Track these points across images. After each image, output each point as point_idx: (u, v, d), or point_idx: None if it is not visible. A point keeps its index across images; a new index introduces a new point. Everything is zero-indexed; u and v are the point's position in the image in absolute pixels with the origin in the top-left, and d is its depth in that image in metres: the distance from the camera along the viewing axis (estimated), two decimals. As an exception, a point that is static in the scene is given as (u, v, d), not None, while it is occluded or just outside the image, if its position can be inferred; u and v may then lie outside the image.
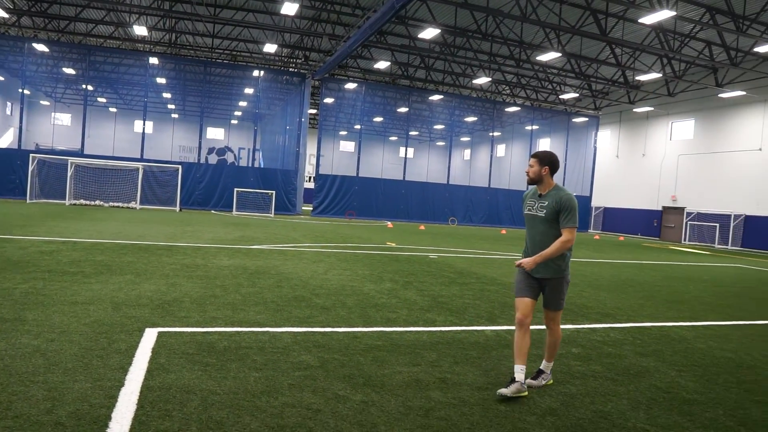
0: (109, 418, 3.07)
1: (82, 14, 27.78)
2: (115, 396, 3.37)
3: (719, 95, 30.14)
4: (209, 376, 3.88)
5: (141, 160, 29.81)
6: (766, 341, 6.42)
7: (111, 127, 48.38)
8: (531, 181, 4.24)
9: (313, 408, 3.45)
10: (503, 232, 29.78)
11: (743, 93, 28.58)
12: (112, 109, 48.58)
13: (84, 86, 32.71)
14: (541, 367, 4.35)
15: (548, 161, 4.17)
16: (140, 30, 25.31)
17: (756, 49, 24.51)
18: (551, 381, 4.33)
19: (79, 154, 29.74)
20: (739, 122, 30.26)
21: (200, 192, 30.98)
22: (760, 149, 28.83)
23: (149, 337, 4.72)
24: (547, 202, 4.10)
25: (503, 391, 3.84)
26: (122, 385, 3.57)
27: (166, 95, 41.15)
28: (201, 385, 3.69)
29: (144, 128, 31.75)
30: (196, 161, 33.55)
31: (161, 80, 33.93)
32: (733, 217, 29.72)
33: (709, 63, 26.84)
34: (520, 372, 3.94)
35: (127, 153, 36.76)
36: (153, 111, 42.42)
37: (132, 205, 27.42)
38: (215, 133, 52.72)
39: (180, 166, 29.19)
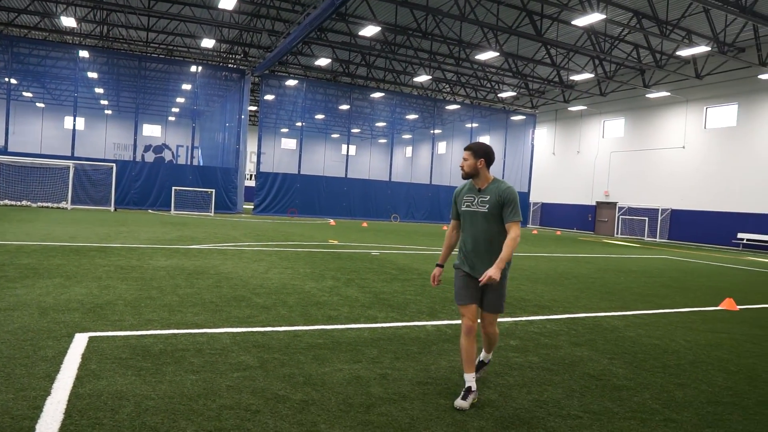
0: (33, 429, 2.91)
1: (3, 2, 26.23)
2: (41, 406, 3.21)
3: (646, 95, 31.66)
4: (143, 380, 3.75)
5: (72, 158, 28.45)
6: (688, 328, 6.79)
7: (38, 123, 45.99)
8: (466, 176, 3.93)
9: (251, 409, 3.39)
10: (445, 228, 30.22)
11: (668, 94, 30.12)
12: (40, 105, 46.15)
13: (6, 79, 30.90)
14: (480, 359, 4.30)
15: (483, 153, 3.88)
16: (68, 21, 24.12)
17: (678, 53, 25.89)
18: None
19: (3, 151, 28.09)
20: (664, 121, 31.87)
21: (136, 191, 29.89)
22: (684, 147, 30.47)
23: (79, 342, 4.52)
24: (488, 197, 3.83)
25: (462, 404, 3.64)
26: (48, 394, 3.39)
27: (99, 90, 39.46)
28: (134, 390, 3.56)
29: (75, 125, 30.32)
30: (132, 159, 32.33)
31: (93, 75, 32.49)
32: (660, 211, 31.31)
33: (637, 65, 28.12)
34: (472, 380, 3.80)
35: (56, 151, 35.08)
36: (84, 107, 40.62)
37: (63, 205, 26.17)
38: (152, 130, 51.00)
39: (114, 165, 28.05)
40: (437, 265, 4.14)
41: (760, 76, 25.74)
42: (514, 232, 3.76)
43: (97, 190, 28.07)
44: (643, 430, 3.49)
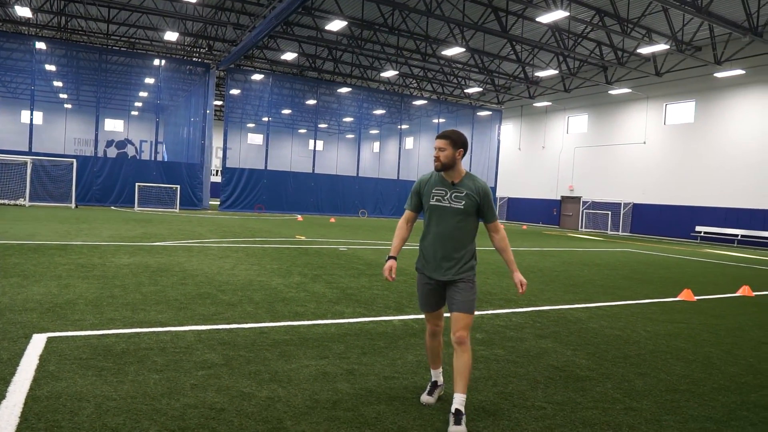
0: (-12, 433, 2.82)
1: (-46, -7, 25.16)
2: (-4, 409, 3.11)
3: (609, 92, 32.32)
4: (104, 381, 3.67)
5: (29, 153, 27.53)
6: (648, 318, 6.97)
7: (-8, 117, 44.38)
8: (442, 168, 3.49)
9: (216, 407, 3.35)
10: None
11: (629, 90, 30.81)
12: (-6, 98, 44.55)
13: (-42, 72, 29.72)
14: (456, 407, 3.31)
15: (462, 143, 3.49)
16: (23, 11, 23.27)
17: (639, 50, 26.49)
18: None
19: (-45, 146, 27.03)
20: (626, 117, 32.61)
21: (98, 187, 29.10)
22: (644, 142, 31.23)
23: (37, 343, 4.39)
24: (464, 192, 3.46)
25: (428, 399, 3.64)
26: (3, 397, 3.29)
27: (57, 84, 38.27)
28: (95, 391, 3.48)
29: (32, 119, 29.33)
30: (93, 154, 31.46)
31: (51, 67, 31.49)
32: (622, 205, 32.06)
33: (600, 62, 28.67)
34: (438, 375, 3.77)
35: (12, 146, 33.82)
36: (42, 100, 39.29)
37: (20, 202, 25.34)
38: (114, 125, 49.76)
39: (75, 160, 27.23)
40: (390, 257, 3.61)
41: (716, 74, 26.54)
42: (501, 231, 3.63)
43: (56, 187, 27.23)
44: (605, 419, 3.58)
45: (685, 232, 28.86)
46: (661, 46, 23.80)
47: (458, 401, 3.32)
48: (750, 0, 21.28)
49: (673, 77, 29.47)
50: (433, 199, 3.54)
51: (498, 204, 41.98)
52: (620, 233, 31.74)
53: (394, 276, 3.59)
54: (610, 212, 32.60)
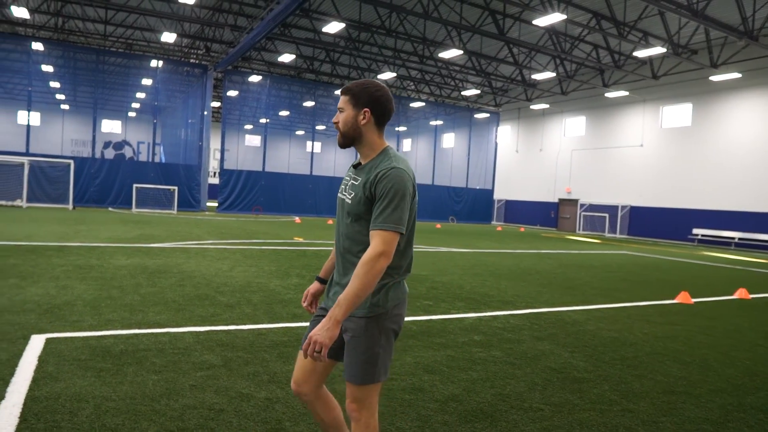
0: (-12, 433, 2.83)
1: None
2: (-5, 409, 3.11)
3: (606, 95, 32.41)
4: (103, 381, 3.67)
5: (27, 154, 27.50)
6: (645, 320, 7.00)
7: (-11, 118, 44.27)
8: (343, 142, 2.30)
9: (215, 408, 3.36)
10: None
11: (626, 93, 30.92)
12: (-9, 99, 44.41)
13: (-45, 73, 29.66)
14: None
15: (369, 98, 2.23)
16: (20, 12, 23.24)
17: (635, 54, 26.57)
18: None
19: (-48, 147, 26.98)
20: (623, 120, 32.71)
21: (96, 189, 29.09)
22: (641, 145, 31.33)
23: (35, 344, 4.39)
24: (360, 179, 2.22)
25: None
26: (2, 398, 3.29)
27: (55, 85, 38.17)
28: (94, 391, 3.49)
29: (29, 120, 29.30)
30: (91, 156, 31.42)
31: (48, 68, 31.41)
32: (620, 207, 32.14)
33: (597, 65, 28.76)
34: None
35: (10, 147, 33.78)
36: (39, 101, 39.28)
37: (18, 203, 25.29)
38: (111, 126, 49.72)
39: (72, 161, 27.20)
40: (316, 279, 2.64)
41: (711, 78, 26.64)
42: (370, 249, 2.07)
43: (54, 188, 27.20)
44: (602, 420, 3.60)
45: (682, 234, 28.94)
46: (658, 50, 23.89)
47: None
48: (745, 3, 21.39)
49: (669, 80, 29.58)
50: (341, 187, 2.38)
51: (495, 206, 42.03)
52: (617, 236, 31.82)
53: (309, 307, 2.56)
54: (607, 215, 32.68)
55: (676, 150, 29.53)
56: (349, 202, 2.24)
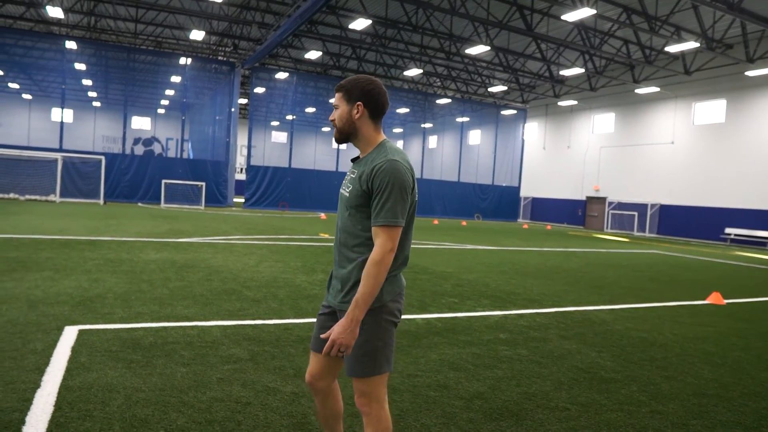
0: (23, 422, 2.91)
1: (-11, -6, 25.84)
2: (30, 399, 3.20)
3: (636, 91, 31.81)
4: (134, 373, 3.75)
5: (60, 150, 28.17)
6: (675, 321, 6.86)
7: (25, 115, 45.45)
8: (339, 137, 2.34)
9: (242, 401, 3.40)
10: (435, 222, 30.29)
11: (657, 89, 30.30)
12: (26, 96, 45.59)
13: (-7, 71, 30.51)
14: None
15: (361, 92, 2.26)
16: (55, 12, 23.80)
17: (667, 49, 26.00)
18: None
19: (-11, 143, 27.78)
20: (653, 117, 32.07)
21: (126, 184, 29.68)
22: (672, 142, 30.68)
23: (69, 335, 4.51)
24: (356, 172, 2.25)
25: None
26: (38, 386, 3.39)
27: (87, 82, 39.05)
28: (125, 382, 3.56)
29: (62, 117, 30.01)
30: (121, 152, 32.06)
31: (80, 66, 32.13)
32: (649, 206, 31.55)
33: (627, 60, 28.25)
34: None
35: (44, 143, 34.66)
36: (72, 99, 40.19)
37: (51, 198, 25.94)
38: (141, 123, 50.62)
39: (103, 157, 27.81)
40: None
41: (747, 73, 25.95)
42: (376, 248, 2.11)
43: (86, 183, 27.83)
44: (630, 421, 3.54)
45: (715, 234, 28.29)
46: (691, 44, 23.34)
47: None
48: (784, -3, 20.77)
49: (702, 76, 28.89)
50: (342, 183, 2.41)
51: (522, 204, 41.63)
52: (646, 234, 31.25)
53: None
54: (636, 213, 32.10)
55: (709, 147, 28.84)
56: (347, 195, 2.27)
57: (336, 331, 2.08)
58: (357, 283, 2.19)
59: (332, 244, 13.68)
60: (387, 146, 2.24)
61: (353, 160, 2.33)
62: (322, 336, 2.18)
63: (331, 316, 2.37)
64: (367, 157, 2.25)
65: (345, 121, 2.28)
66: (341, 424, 2.59)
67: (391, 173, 2.11)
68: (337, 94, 2.34)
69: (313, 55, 29.66)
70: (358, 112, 2.26)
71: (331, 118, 2.34)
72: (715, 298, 8.57)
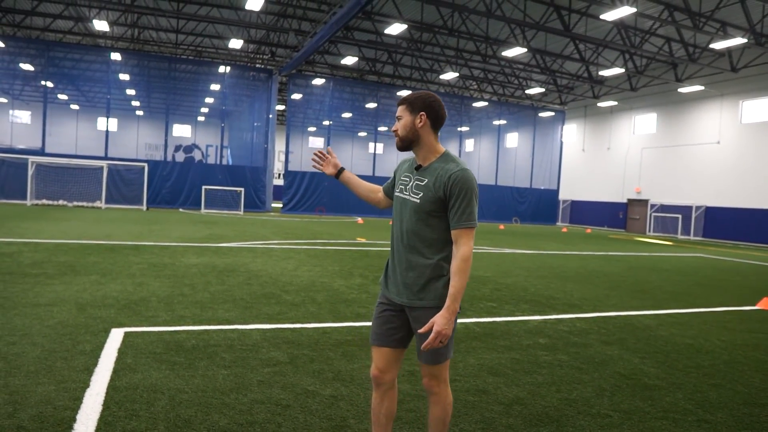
0: (74, 419, 3.02)
1: (38, 8, 26.96)
2: (80, 397, 3.32)
3: (679, 90, 30.93)
4: (177, 374, 3.84)
5: (105, 158, 29.15)
6: (723, 327, 6.64)
7: (73, 125, 47.16)
8: (402, 144, 2.53)
9: (282, 404, 3.45)
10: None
11: (702, 88, 29.40)
12: (74, 107, 47.33)
13: (43, 83, 31.77)
14: None
15: (423, 104, 2.48)
16: (101, 25, 24.69)
17: (712, 46, 25.21)
18: None
19: (41, 152, 28.91)
20: (698, 116, 31.13)
21: (167, 190, 30.48)
22: (719, 142, 29.71)
23: (115, 337, 4.65)
24: (426, 180, 2.46)
25: None
26: (87, 386, 3.51)
27: (130, 92, 40.30)
28: (169, 384, 3.66)
29: (108, 126, 31.04)
30: (163, 159, 32.94)
31: (124, 77, 33.20)
32: (694, 208, 30.59)
33: (669, 59, 27.52)
34: None
35: (90, 151, 35.94)
36: (117, 108, 41.48)
37: (97, 204, 26.83)
38: (182, 131, 51.86)
39: (146, 164, 28.64)
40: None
41: (798, 69, 24.94)
42: (463, 248, 2.38)
43: (129, 190, 28.70)
44: (676, 430, 3.44)
45: (765, 237, 27.23)
46: (738, 40, 22.58)
47: None
48: (837, -11, 19.91)
49: (750, 72, 27.90)
50: (398, 187, 2.63)
51: (561, 207, 40.93)
52: (691, 237, 30.32)
53: (316, 157, 2.93)
54: (680, 215, 31.16)
55: (758, 146, 27.81)
56: (417, 201, 2.47)
57: (439, 323, 2.32)
58: (431, 281, 2.45)
59: (370, 248, 13.73)
60: (452, 157, 2.50)
61: (416, 168, 2.54)
62: (420, 331, 2.39)
63: (397, 313, 2.58)
64: (434, 166, 2.48)
65: (408, 130, 2.50)
66: (391, 426, 2.71)
67: (468, 181, 2.38)
68: (400, 107, 2.54)
69: (349, 60, 29.88)
70: (420, 122, 2.48)
71: (393, 128, 2.55)
72: (766, 304, 8.25)
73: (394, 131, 2.54)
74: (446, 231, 2.45)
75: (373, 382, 2.65)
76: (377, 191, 2.91)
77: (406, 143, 2.52)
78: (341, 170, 2.91)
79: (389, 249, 2.66)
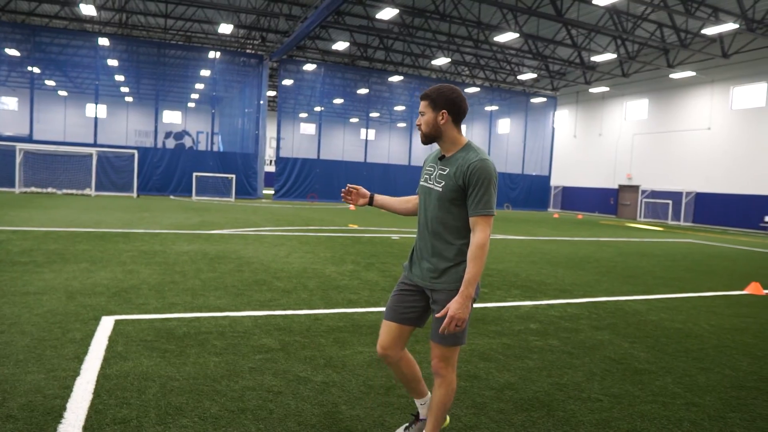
0: (64, 408, 3.01)
1: (25, -7, 26.51)
2: (70, 386, 3.30)
3: (670, 76, 30.95)
4: (168, 362, 3.83)
5: (95, 145, 28.84)
6: (712, 312, 6.70)
7: (61, 111, 46.59)
8: (424, 138, 2.67)
9: (273, 390, 3.45)
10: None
11: (693, 74, 29.45)
12: (62, 93, 46.73)
13: (30, 69, 31.30)
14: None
15: (445, 101, 2.58)
16: (88, 9, 24.29)
17: (704, 31, 25.21)
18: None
19: (28, 139, 28.56)
20: (689, 102, 31.21)
21: (158, 177, 30.24)
22: (709, 128, 29.84)
23: (106, 325, 4.63)
24: (448, 170, 2.59)
25: None
26: (77, 374, 3.49)
27: (119, 78, 39.78)
28: (160, 371, 3.64)
29: (96, 112, 30.69)
30: (153, 146, 32.67)
31: (113, 62, 32.74)
32: (684, 194, 30.78)
33: (661, 44, 27.51)
34: (422, 406, 2.92)
35: (79, 138, 35.58)
36: (105, 95, 41.04)
37: (87, 191, 26.60)
38: (172, 117, 51.40)
39: (136, 151, 28.37)
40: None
41: (789, 55, 25.01)
42: (479, 234, 2.49)
43: (119, 177, 28.46)
44: (665, 413, 3.48)
45: (754, 222, 27.47)
46: (730, 26, 22.58)
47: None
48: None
49: (741, 59, 27.95)
50: (423, 177, 2.77)
51: (552, 193, 41.05)
52: (681, 223, 30.53)
53: (346, 195, 3.00)
54: (670, 201, 31.34)
55: (748, 133, 27.95)
56: (440, 190, 2.60)
57: (453, 308, 2.43)
58: (453, 266, 2.57)
59: (362, 235, 13.73)
60: (474, 147, 2.61)
61: (440, 158, 2.67)
62: (437, 315, 2.54)
63: (416, 295, 2.72)
64: (457, 156, 2.60)
65: (431, 126, 2.62)
66: (423, 384, 2.93)
67: (486, 170, 2.49)
68: (422, 102, 2.64)
69: (341, 46, 29.66)
70: (443, 119, 2.59)
71: (417, 123, 2.66)
72: (754, 288, 8.34)
73: (418, 125, 2.65)
74: (468, 219, 2.57)
75: (381, 359, 2.83)
76: (412, 200, 3.00)
77: (429, 138, 2.65)
78: (372, 197, 3.02)
79: (414, 234, 2.81)
